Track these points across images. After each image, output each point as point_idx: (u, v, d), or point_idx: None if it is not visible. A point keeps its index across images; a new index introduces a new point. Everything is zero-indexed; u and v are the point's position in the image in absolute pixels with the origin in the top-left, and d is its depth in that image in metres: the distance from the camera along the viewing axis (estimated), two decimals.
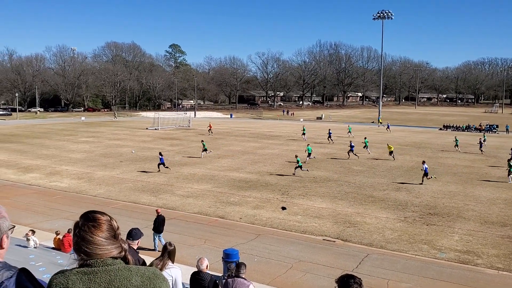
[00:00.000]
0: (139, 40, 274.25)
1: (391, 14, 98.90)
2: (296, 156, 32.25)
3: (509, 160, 31.09)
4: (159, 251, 16.86)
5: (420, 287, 14.05)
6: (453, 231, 19.47)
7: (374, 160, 38.62)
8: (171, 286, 6.72)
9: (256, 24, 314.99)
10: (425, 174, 29.17)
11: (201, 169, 33.88)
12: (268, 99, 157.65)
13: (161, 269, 6.69)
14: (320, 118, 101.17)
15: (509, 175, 30.05)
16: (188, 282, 8.81)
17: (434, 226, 20.16)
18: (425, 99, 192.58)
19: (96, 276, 2.04)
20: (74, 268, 2.10)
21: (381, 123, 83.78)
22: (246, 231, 19.34)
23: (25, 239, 15.11)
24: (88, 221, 2.16)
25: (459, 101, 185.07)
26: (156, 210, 17.88)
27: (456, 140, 47.24)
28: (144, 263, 6.16)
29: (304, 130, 56.38)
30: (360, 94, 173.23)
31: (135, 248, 6.95)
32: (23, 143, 49.49)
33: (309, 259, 16.14)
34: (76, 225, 2.17)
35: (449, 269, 15.50)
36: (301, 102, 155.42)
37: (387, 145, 40.75)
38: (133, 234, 6.95)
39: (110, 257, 2.12)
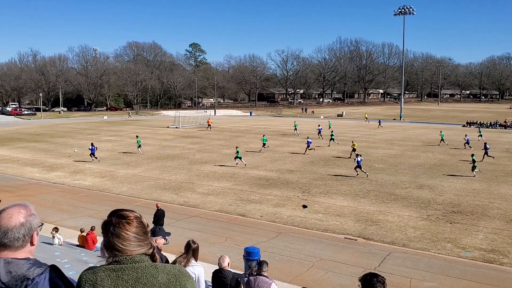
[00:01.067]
0: (160, 40, 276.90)
1: (413, 10, 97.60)
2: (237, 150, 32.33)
3: (472, 155, 31.43)
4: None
5: (443, 286, 13.87)
6: (478, 230, 19.14)
7: (396, 157, 38.19)
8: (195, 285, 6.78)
9: (276, 21, 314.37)
10: (358, 166, 30.36)
11: (221, 167, 34.03)
12: (288, 96, 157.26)
13: (184, 267, 6.76)
14: (341, 115, 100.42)
15: (473, 170, 30.51)
16: (210, 280, 8.87)
17: (457, 225, 19.86)
18: (448, 95, 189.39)
19: (124, 273, 2.08)
20: (103, 265, 2.15)
21: (366, 118, 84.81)
22: (267, 229, 19.37)
23: (51, 236, 15.44)
24: (121, 218, 2.21)
25: (483, 97, 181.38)
26: (156, 205, 18.33)
27: (442, 134, 48.18)
28: (167, 261, 6.23)
29: (296, 125, 58.95)
30: (381, 91, 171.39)
31: (158, 246, 7.02)
32: (47, 142, 50.48)
33: (331, 257, 16.08)
34: (109, 222, 2.21)
35: (474, 268, 15.25)
36: (321, 100, 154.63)
37: (352, 142, 41.02)
38: (156, 231, 7.03)
39: (138, 254, 2.16)
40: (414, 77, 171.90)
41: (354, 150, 38.36)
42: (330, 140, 46.26)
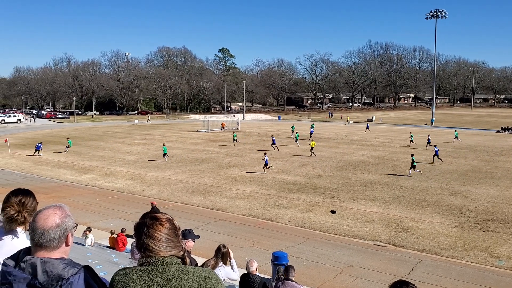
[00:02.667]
0: (190, 45, 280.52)
1: (445, 13, 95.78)
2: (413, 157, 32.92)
3: (412, 155, 33.20)
4: None
5: None
6: None
7: (428, 164, 37.45)
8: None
9: (305, 26, 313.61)
10: (265, 164, 32.83)
11: (250, 171, 34.10)
12: (317, 101, 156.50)
13: (213, 270, 6.80)
14: (371, 120, 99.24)
15: (410, 168, 32.28)
16: (238, 284, 8.89)
17: (491, 233, 19.30)
18: (481, 100, 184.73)
19: (155, 274, 2.12)
20: (135, 266, 2.20)
21: (348, 121, 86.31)
22: (294, 234, 19.27)
23: (83, 237, 15.77)
24: (154, 219, 2.26)
25: None
26: (152, 203, 19.12)
27: (411, 135, 51.42)
28: (196, 264, 6.28)
29: (293, 128, 62.87)
30: (412, 96, 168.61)
31: (188, 249, 7.10)
32: (80, 145, 51.66)
33: (360, 264, 15.87)
34: (143, 224, 2.27)
35: (509, 278, 14.78)
36: (350, 104, 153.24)
37: (311, 141, 42.89)
38: (186, 234, 7.10)
39: (170, 256, 2.20)
40: (446, 82, 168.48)
41: (311, 149, 41.36)
42: (296, 141, 49.89)
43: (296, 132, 53.01)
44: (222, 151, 45.87)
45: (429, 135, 51.04)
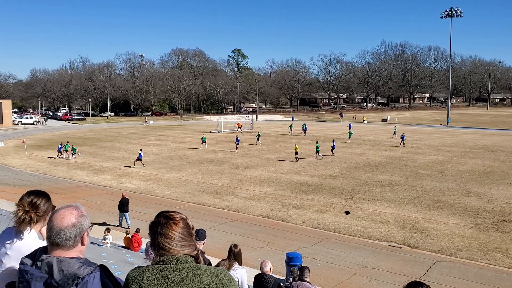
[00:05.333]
0: (203, 46, 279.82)
1: (460, 12, 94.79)
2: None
3: (317, 142, 41.78)
4: (122, 227, 20.08)
5: None
6: None
7: (443, 163, 37.06)
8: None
9: (318, 26, 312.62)
10: (139, 159, 35.89)
11: (263, 171, 34.10)
12: (331, 101, 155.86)
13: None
14: (385, 120, 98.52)
15: (316, 153, 39.91)
16: (252, 284, 8.90)
17: (508, 234, 19.02)
18: (498, 99, 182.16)
19: (169, 273, 2.15)
20: (150, 264, 2.22)
21: (363, 121, 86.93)
22: (308, 235, 19.22)
23: (103, 238, 16.04)
24: (168, 219, 2.29)
25: None
26: (122, 194, 21.74)
27: (395, 129, 58.37)
28: (210, 263, 6.30)
29: (291, 127, 68.17)
30: (427, 95, 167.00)
31: (201, 248, 7.12)
32: (95, 146, 52.21)
33: (374, 265, 15.76)
34: (157, 223, 2.29)
35: None
36: (365, 104, 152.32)
37: (295, 145, 40.72)
38: (200, 234, 7.12)
39: (183, 255, 2.22)
40: (462, 81, 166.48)
41: (296, 153, 39.59)
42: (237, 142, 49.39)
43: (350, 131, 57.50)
44: (236, 151, 45.93)
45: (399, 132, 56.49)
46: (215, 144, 53.09)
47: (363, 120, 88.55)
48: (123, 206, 20.65)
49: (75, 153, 42.84)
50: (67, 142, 44.80)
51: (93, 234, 16.24)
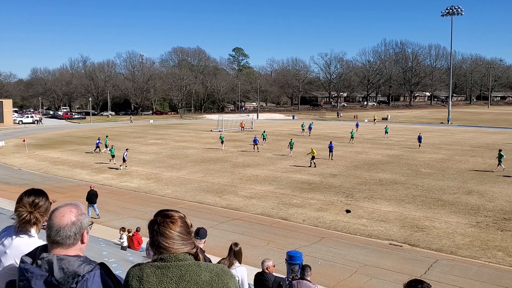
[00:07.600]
0: (204, 45, 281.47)
1: (461, 10, 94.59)
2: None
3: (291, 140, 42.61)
4: (92, 216, 20.48)
5: None
6: None
7: (444, 162, 37.05)
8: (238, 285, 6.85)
9: (319, 24, 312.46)
10: (123, 159, 35.32)
11: (264, 170, 34.10)
12: (331, 100, 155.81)
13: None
14: (386, 118, 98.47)
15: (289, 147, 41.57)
16: (252, 283, 8.90)
17: (509, 232, 19.02)
18: (499, 98, 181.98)
19: (168, 270, 2.15)
20: (149, 262, 2.23)
21: (375, 120, 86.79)
22: (309, 234, 19.23)
23: (119, 237, 16.24)
24: (166, 217, 2.30)
25: None
26: (90, 186, 22.64)
27: (386, 128, 58.99)
28: (210, 262, 6.31)
29: (303, 126, 66.81)
30: (428, 94, 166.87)
31: (202, 247, 7.13)
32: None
33: (375, 263, 15.76)
34: (155, 221, 2.30)
35: None
36: (365, 103, 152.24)
37: (311, 149, 36.52)
38: (201, 233, 7.14)
39: (182, 253, 2.23)
40: (463, 79, 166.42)
41: (313, 158, 35.50)
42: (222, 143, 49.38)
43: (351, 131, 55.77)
44: (237, 150, 45.94)
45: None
46: (215, 143, 53.08)
47: (374, 119, 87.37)
48: (91, 197, 21.61)
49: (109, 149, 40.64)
50: (106, 136, 46.11)
51: (95, 233, 16.27)
